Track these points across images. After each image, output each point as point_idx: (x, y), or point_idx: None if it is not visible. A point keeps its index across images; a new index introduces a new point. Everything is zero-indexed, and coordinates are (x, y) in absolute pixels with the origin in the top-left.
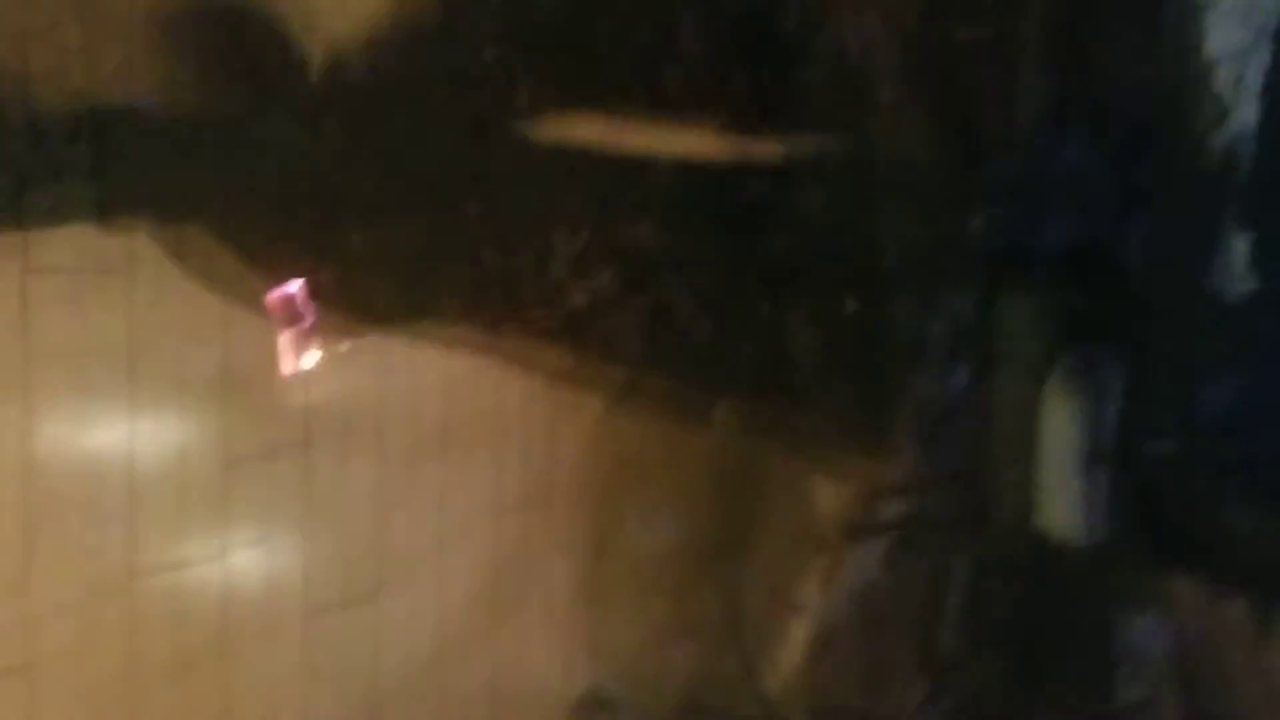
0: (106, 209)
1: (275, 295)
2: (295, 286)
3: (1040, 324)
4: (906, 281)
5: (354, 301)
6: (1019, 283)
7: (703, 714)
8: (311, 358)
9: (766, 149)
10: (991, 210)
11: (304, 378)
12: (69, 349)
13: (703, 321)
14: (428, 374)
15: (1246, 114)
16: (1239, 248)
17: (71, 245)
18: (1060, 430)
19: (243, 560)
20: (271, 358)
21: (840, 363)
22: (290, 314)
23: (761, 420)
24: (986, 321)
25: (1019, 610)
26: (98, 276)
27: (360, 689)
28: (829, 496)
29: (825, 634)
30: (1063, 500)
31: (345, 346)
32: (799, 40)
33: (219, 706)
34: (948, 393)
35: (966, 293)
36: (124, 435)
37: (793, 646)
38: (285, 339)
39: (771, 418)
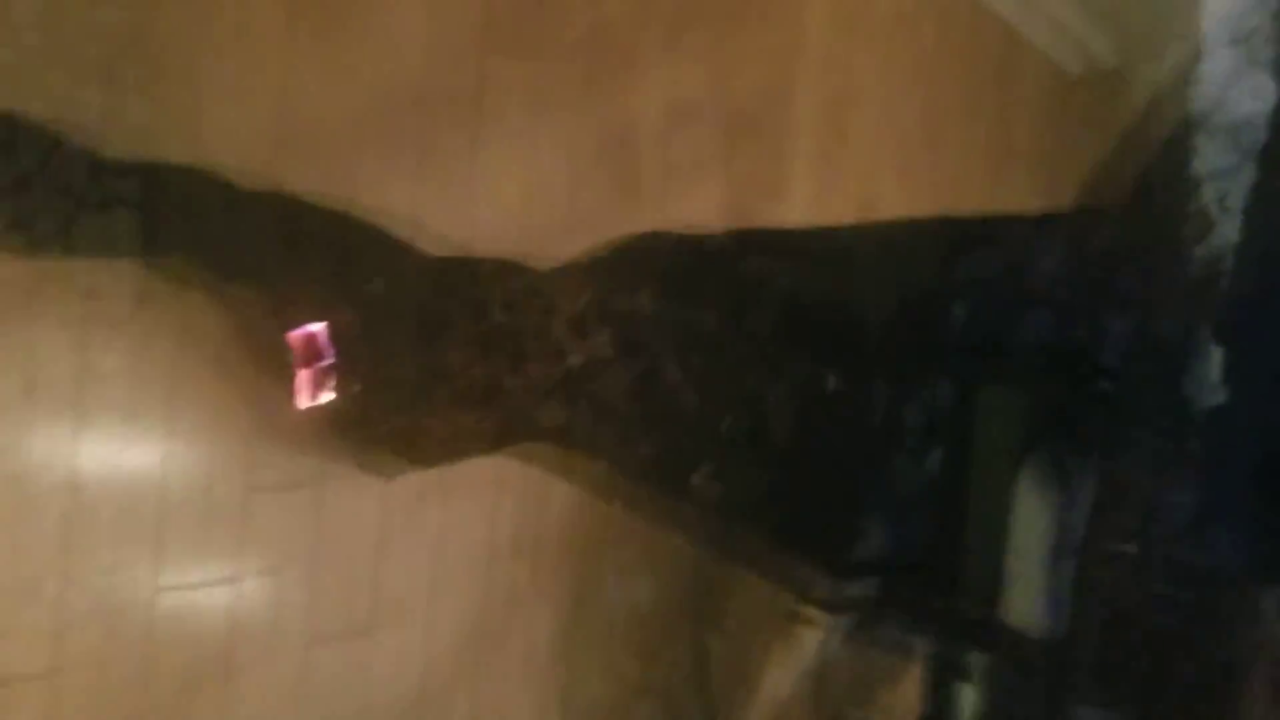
0: (152, 245)
1: (298, 335)
2: (317, 328)
3: (1015, 418)
4: (886, 366)
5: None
6: (996, 376)
7: None
8: (329, 396)
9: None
10: (971, 303)
11: (323, 416)
12: (118, 372)
13: (689, 390)
14: None
15: (1229, 231)
16: (1213, 360)
17: (124, 276)
18: (1029, 523)
19: (253, 586)
20: (295, 395)
21: (817, 440)
22: (311, 354)
23: (736, 492)
24: (962, 412)
25: (978, 693)
26: (148, 306)
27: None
28: (799, 570)
29: (784, 705)
30: (1027, 591)
31: (358, 388)
32: None
33: None
34: (920, 478)
35: (943, 382)
36: (159, 457)
37: (754, 715)
38: (305, 377)
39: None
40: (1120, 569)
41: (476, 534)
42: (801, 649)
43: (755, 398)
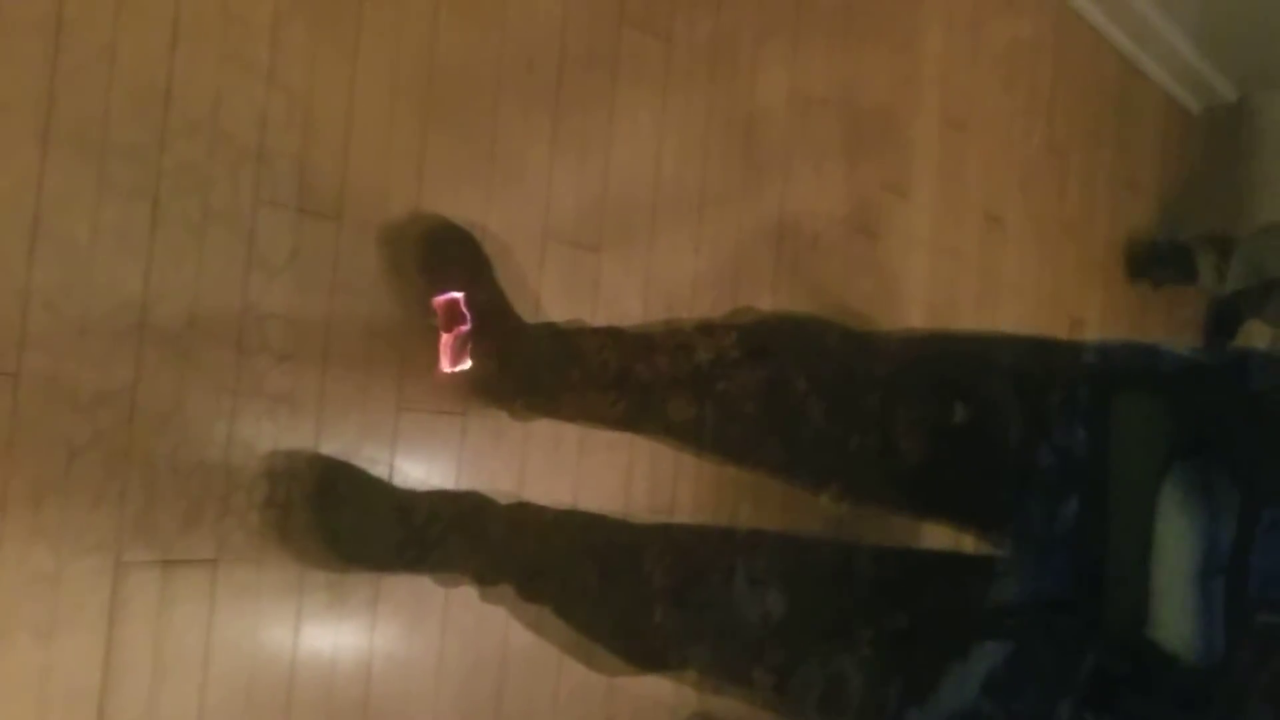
0: (308, 199)
1: (442, 300)
2: (459, 295)
3: (1153, 435)
4: (1016, 400)
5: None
6: (1132, 394)
7: None
8: (468, 364)
9: None
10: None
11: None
12: (276, 313)
13: (816, 400)
14: None
15: None
16: None
17: (282, 227)
18: (1175, 542)
19: None
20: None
21: (945, 474)
22: (453, 318)
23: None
24: (1098, 440)
25: None
26: (301, 257)
27: (490, 671)
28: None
29: None
30: (1177, 613)
31: (495, 365)
32: None
33: None
34: (1058, 520)
35: (1077, 415)
36: (316, 378)
37: None
38: (447, 340)
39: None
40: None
41: (612, 486)
42: (936, 698)
43: (883, 419)
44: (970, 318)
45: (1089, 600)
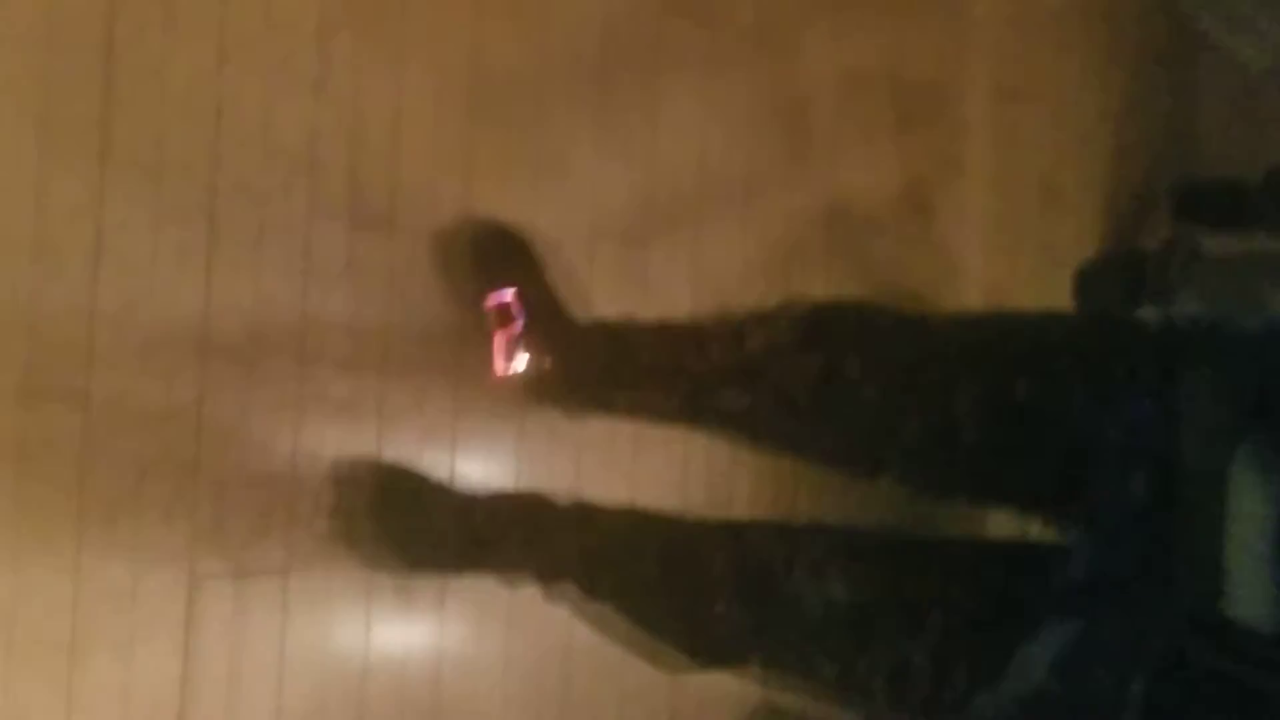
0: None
1: (493, 301)
2: (509, 295)
3: (1223, 407)
4: (1079, 375)
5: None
6: (1199, 366)
7: None
8: (522, 365)
9: None
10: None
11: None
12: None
13: (870, 385)
14: None
15: None
16: None
17: (338, 238)
18: (1248, 515)
19: None
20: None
21: (1008, 454)
22: (505, 319)
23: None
24: (1167, 413)
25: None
26: (356, 267)
27: (556, 667)
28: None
29: None
30: (1253, 585)
31: (548, 363)
32: None
33: None
34: (1126, 498)
35: (1143, 389)
36: (375, 385)
37: None
38: (499, 342)
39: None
40: None
41: (668, 482)
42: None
43: (943, 399)
44: (1031, 294)
45: (1161, 577)
